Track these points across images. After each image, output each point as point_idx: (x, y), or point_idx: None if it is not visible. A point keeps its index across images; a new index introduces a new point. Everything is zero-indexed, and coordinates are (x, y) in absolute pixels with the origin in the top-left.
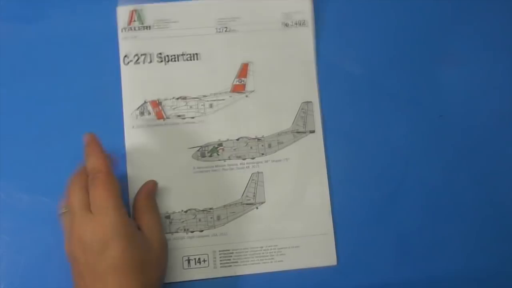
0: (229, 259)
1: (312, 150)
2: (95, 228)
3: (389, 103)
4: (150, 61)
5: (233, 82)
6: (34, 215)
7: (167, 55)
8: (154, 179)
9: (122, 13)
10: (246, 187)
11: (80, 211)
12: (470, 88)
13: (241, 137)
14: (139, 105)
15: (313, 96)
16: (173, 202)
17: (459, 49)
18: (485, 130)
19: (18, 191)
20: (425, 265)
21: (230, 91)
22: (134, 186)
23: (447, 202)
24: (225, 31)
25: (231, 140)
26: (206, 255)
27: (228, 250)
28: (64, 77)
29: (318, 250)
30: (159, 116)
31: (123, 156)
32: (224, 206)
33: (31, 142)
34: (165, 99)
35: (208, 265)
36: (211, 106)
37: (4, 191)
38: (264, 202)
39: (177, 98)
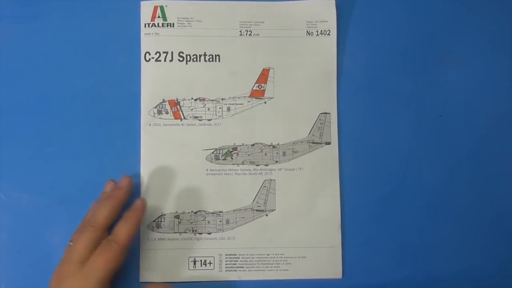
0: (235, 264)
1: (326, 161)
2: (72, 282)
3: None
4: (171, 60)
5: (252, 87)
6: (34, 215)
7: (188, 55)
8: (166, 177)
9: (146, 8)
10: (257, 193)
11: (76, 262)
12: (470, 88)
13: (256, 143)
14: (157, 103)
15: (332, 107)
16: (183, 202)
17: (459, 49)
18: (485, 130)
19: (18, 191)
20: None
21: (248, 96)
22: (147, 182)
23: (455, 206)
24: (248, 34)
25: (246, 145)
26: (212, 258)
27: (235, 254)
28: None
29: (324, 262)
30: (177, 116)
31: (137, 153)
32: (234, 210)
33: (32, 142)
34: (184, 99)
35: (214, 268)
36: (228, 109)
37: (4, 191)
38: (274, 210)
39: (195, 99)
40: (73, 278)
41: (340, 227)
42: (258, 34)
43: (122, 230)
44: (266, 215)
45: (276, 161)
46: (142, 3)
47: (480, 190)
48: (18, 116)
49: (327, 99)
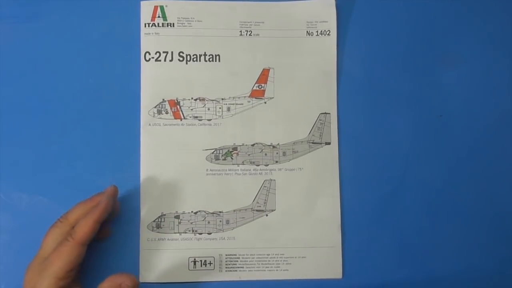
0: (235, 264)
1: (326, 162)
2: (31, 276)
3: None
4: (171, 59)
5: (252, 87)
6: (34, 215)
7: (188, 55)
8: (166, 177)
9: (146, 8)
10: (257, 193)
11: (41, 256)
12: (470, 88)
13: (257, 143)
14: (157, 103)
15: (332, 107)
16: (183, 202)
17: (459, 49)
18: (485, 130)
19: (18, 191)
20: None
21: (248, 96)
22: (147, 182)
23: (455, 206)
24: (249, 34)
25: (246, 145)
26: (212, 258)
27: (235, 254)
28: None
29: (324, 262)
30: (177, 116)
31: (137, 153)
32: (234, 210)
33: (32, 142)
34: (184, 99)
35: (214, 268)
36: (228, 109)
37: (4, 191)
38: (274, 210)
39: (195, 99)
40: (32, 271)
41: (340, 227)
42: (258, 34)
43: (81, 226)
44: (266, 215)
45: (276, 161)
46: (142, 3)
47: (480, 190)
48: (18, 116)
49: (327, 99)
